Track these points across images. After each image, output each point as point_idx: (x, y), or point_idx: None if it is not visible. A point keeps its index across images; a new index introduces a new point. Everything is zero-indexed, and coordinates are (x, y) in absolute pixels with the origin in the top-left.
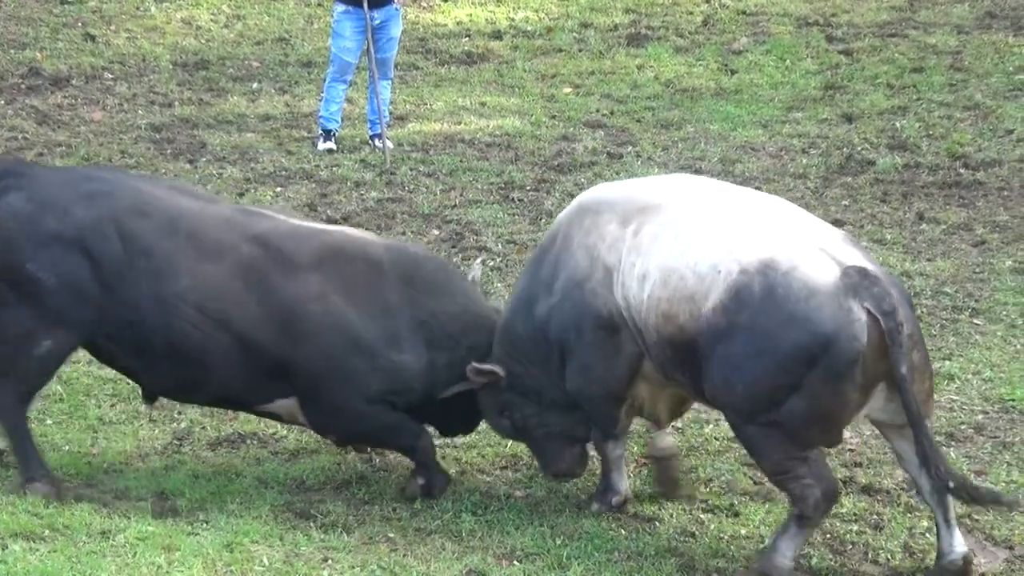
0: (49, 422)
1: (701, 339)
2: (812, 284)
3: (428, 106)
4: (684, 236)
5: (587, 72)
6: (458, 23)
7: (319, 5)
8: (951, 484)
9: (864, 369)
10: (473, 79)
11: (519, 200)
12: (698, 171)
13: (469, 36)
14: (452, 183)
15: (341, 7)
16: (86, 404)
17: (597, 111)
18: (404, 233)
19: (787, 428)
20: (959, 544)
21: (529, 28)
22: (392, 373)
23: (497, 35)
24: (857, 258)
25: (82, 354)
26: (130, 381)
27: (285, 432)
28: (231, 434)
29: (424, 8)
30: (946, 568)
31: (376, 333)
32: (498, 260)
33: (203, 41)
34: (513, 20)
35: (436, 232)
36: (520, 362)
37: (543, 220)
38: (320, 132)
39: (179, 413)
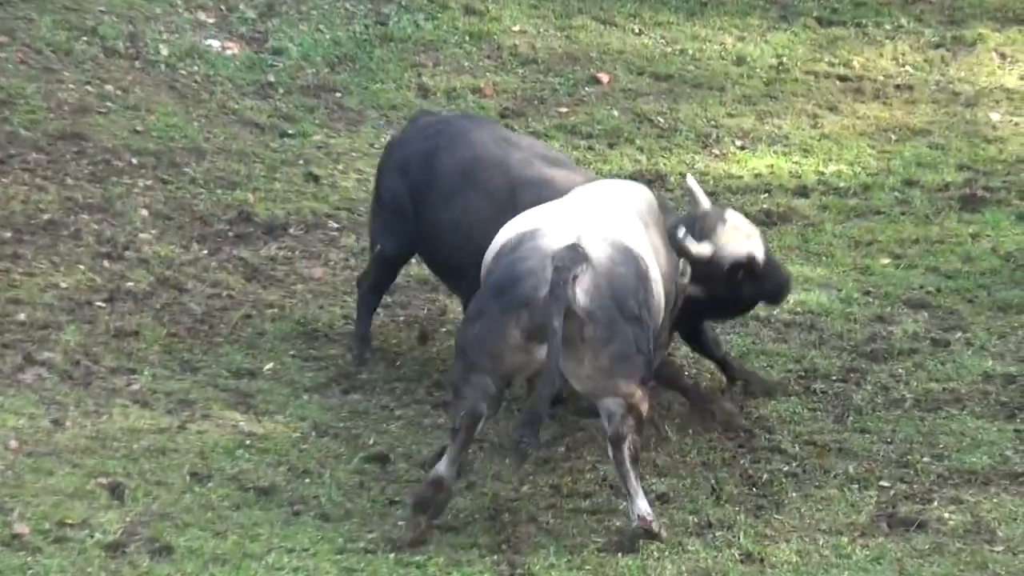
0: None
1: None
2: (537, 246)
3: None
4: (529, 214)
5: (910, 240)
6: (756, 175)
7: (590, 150)
8: (521, 441)
9: (532, 317)
10: (772, 243)
11: (822, 392)
12: None
13: (769, 192)
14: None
15: None
16: None
17: (920, 287)
18: (680, 424)
19: (464, 348)
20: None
21: (842, 184)
22: None
23: (803, 191)
24: (601, 241)
25: None
26: None
27: None
28: None
29: (716, 156)
30: None
31: None
32: (794, 465)
33: None
34: (823, 174)
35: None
36: None
37: (851, 418)
38: None
39: None
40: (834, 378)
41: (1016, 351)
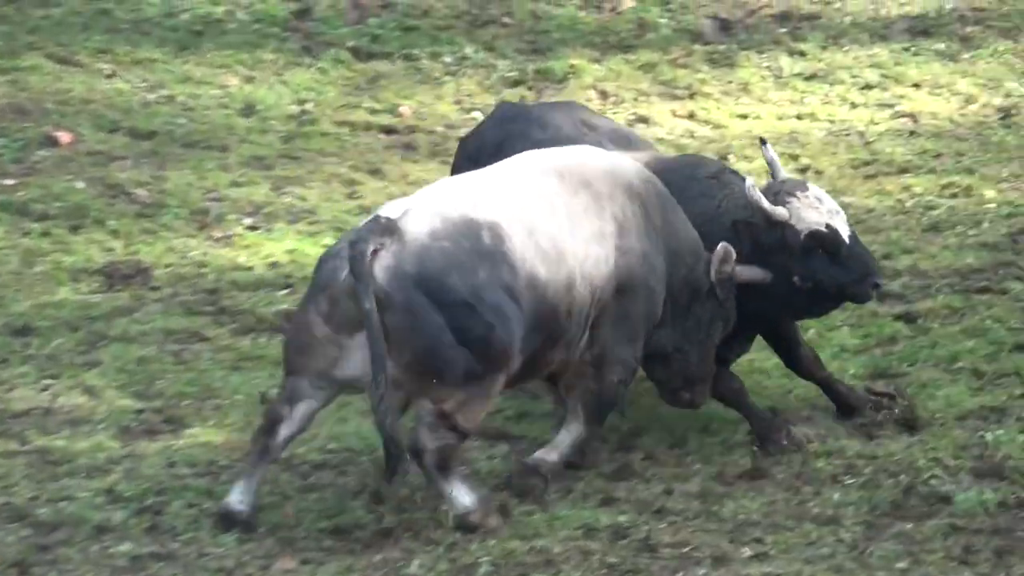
0: None
1: None
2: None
3: None
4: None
5: None
6: (273, 265)
7: (45, 236)
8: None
9: (331, 302)
10: None
11: (361, 558)
12: None
13: (292, 287)
14: None
15: None
16: None
17: (501, 411)
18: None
19: (282, 354)
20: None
21: None
22: None
23: None
24: (427, 213)
25: None
26: None
27: None
28: None
29: (218, 241)
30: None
31: None
32: None
33: None
34: None
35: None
36: None
37: None
38: None
39: None
40: (379, 542)
41: (628, 495)
